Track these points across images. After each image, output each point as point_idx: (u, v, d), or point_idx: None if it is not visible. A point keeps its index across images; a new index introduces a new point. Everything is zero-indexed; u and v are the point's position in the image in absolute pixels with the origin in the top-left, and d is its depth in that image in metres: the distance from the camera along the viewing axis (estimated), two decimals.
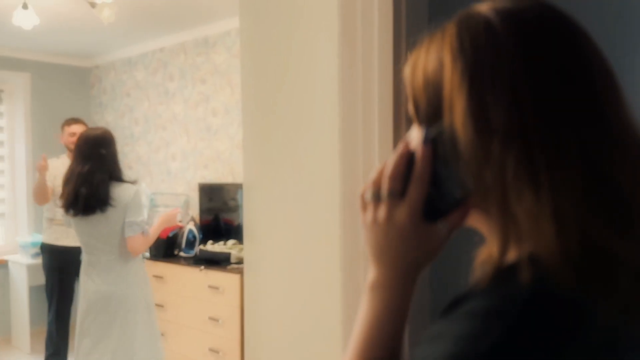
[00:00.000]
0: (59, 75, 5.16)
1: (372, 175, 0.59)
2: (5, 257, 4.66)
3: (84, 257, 2.74)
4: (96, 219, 2.60)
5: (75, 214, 2.60)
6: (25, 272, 4.45)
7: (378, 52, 0.97)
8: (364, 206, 0.59)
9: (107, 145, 2.67)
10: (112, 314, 2.65)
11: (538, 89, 0.47)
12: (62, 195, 2.66)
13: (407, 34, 0.97)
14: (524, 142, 0.46)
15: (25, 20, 3.24)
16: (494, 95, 0.48)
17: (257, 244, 1.25)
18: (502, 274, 0.48)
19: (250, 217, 1.26)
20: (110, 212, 2.60)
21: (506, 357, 0.42)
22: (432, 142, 0.55)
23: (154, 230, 2.80)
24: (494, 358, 0.42)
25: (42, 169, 3.35)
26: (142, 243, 2.66)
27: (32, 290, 4.53)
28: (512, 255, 0.49)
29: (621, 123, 0.49)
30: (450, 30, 0.53)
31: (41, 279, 4.47)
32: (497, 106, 0.47)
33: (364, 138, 1.00)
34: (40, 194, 3.46)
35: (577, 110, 0.47)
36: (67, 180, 2.63)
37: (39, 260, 4.46)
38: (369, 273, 0.60)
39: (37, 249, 4.52)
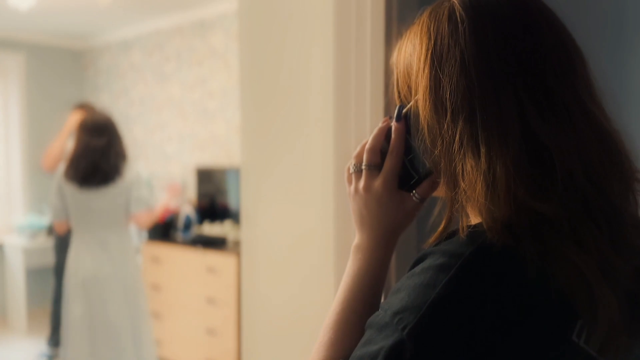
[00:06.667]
0: (54, 57, 5.14)
1: (357, 150, 0.65)
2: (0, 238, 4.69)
3: (75, 235, 2.74)
4: (99, 193, 2.64)
5: (90, 187, 2.62)
6: (20, 253, 4.48)
7: (370, 34, 1.00)
8: (350, 178, 0.66)
9: (115, 125, 2.78)
10: (104, 294, 2.67)
11: (485, 70, 0.53)
12: (72, 168, 2.64)
13: (398, 12, 1.00)
14: (469, 119, 0.52)
15: (22, 0, 3.23)
16: (448, 77, 0.54)
17: (254, 225, 1.27)
18: (453, 235, 0.55)
19: (248, 198, 1.28)
20: (114, 187, 2.65)
21: (449, 304, 0.49)
22: (404, 119, 0.61)
23: (159, 206, 3.03)
24: (439, 306, 0.49)
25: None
26: (149, 218, 2.81)
27: (29, 271, 4.57)
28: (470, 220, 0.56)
29: (569, 102, 0.53)
30: (424, 18, 0.60)
31: (37, 260, 4.52)
32: (449, 86, 0.54)
33: (356, 122, 1.03)
34: (55, 158, 3.33)
35: (523, 90, 0.52)
36: (80, 154, 2.63)
37: (36, 242, 4.50)
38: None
39: (34, 230, 4.56)
